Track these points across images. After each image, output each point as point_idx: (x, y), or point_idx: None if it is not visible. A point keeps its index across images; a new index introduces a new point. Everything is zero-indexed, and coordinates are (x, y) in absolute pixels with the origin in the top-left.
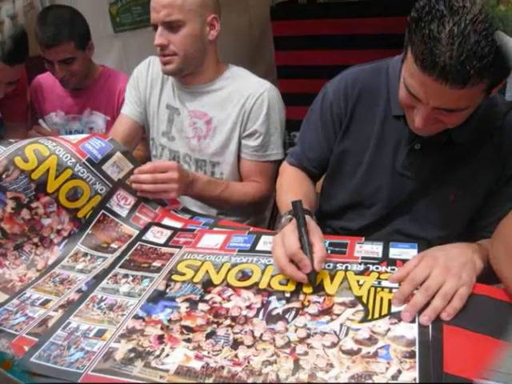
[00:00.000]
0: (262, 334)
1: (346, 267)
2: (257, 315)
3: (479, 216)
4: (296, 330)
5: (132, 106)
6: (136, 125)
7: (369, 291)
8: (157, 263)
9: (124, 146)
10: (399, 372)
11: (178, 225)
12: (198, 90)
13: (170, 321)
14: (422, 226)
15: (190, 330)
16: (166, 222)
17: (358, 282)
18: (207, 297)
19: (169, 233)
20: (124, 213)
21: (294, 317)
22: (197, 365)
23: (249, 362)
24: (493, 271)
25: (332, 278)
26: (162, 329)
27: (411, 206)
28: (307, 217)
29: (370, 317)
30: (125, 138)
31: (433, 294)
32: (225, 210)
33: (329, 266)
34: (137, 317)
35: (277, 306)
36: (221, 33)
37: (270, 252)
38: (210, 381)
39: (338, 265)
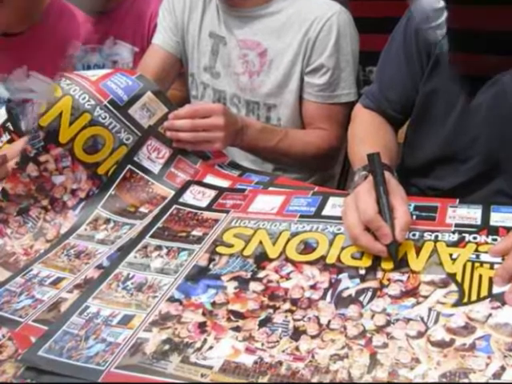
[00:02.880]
0: (329, 321)
1: (436, 237)
2: (323, 297)
3: None
4: (373, 316)
5: (166, 35)
6: (171, 58)
7: (464, 267)
8: (197, 232)
9: (156, 85)
10: (503, 369)
11: (225, 184)
12: (249, 14)
13: (213, 304)
14: None
15: (239, 315)
16: (209, 179)
17: (450, 255)
18: (261, 274)
19: (212, 193)
20: (156, 168)
21: (371, 299)
22: (248, 360)
23: (313, 357)
24: None
25: (418, 251)
26: (203, 314)
27: None
28: (387, 173)
29: (465, 299)
30: (157, 75)
31: None
32: (283, 165)
33: (414, 235)
34: (172, 299)
35: (349, 285)
36: None
37: (339, 218)
38: (265, 380)
39: (425, 234)
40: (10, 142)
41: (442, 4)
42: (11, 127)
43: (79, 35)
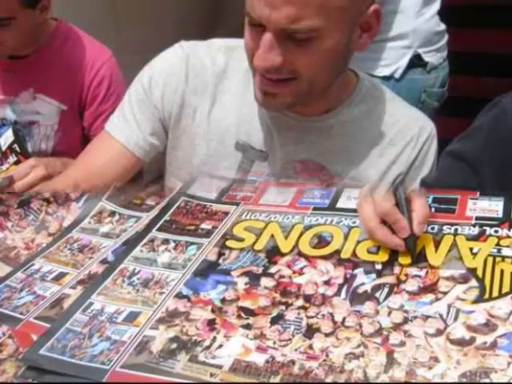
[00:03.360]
0: (344, 319)
1: (456, 230)
2: (338, 293)
3: None
4: (389, 314)
5: (137, 132)
6: (138, 163)
7: (485, 262)
8: (206, 225)
9: None
10: None
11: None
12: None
13: (223, 301)
14: None
15: (249, 312)
16: None
17: (471, 249)
18: (272, 269)
19: (222, 185)
20: None
21: (387, 296)
22: (259, 359)
23: (327, 356)
24: None
25: (437, 245)
26: (213, 311)
27: None
28: None
29: (486, 296)
30: (113, 176)
31: None
32: None
33: (433, 228)
34: (180, 296)
35: (364, 281)
36: None
37: (355, 210)
38: (277, 380)
39: (444, 227)
40: (16, 163)
41: (442, 27)
42: (18, 149)
43: (85, 58)
